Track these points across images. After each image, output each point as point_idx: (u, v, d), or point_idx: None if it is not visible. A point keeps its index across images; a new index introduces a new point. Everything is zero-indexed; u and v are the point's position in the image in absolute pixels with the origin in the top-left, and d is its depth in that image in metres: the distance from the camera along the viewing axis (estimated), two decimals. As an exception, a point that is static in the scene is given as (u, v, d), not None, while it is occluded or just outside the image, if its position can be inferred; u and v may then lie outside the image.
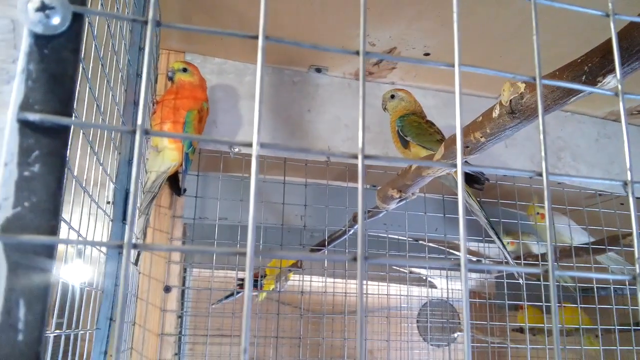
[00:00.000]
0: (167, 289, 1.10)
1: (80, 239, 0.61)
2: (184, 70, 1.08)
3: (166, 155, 1.04)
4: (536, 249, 1.71)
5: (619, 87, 0.31)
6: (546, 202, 0.27)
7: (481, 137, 0.72)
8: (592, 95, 1.48)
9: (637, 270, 0.27)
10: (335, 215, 1.40)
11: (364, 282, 1.95)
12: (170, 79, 1.09)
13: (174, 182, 1.12)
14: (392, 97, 1.17)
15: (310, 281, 2.08)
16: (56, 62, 0.25)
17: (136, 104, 0.86)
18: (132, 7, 0.84)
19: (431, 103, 1.24)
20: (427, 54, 1.19)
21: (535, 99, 0.61)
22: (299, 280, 2.40)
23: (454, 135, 0.79)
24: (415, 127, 1.08)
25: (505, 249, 1.10)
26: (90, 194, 0.62)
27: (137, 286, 1.08)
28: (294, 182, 1.44)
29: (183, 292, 1.72)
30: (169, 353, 1.07)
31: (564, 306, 1.74)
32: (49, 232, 0.24)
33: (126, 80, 0.82)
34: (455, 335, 2.85)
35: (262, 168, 1.40)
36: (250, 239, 0.25)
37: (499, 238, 1.09)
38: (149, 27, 0.26)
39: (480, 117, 0.71)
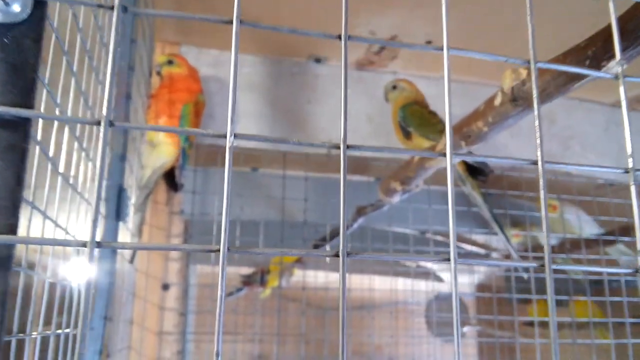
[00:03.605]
0: (166, 287, 1.09)
1: (58, 237, 0.59)
2: (170, 62, 1.06)
3: (162, 150, 1.03)
4: (544, 241, 1.69)
5: (619, 69, 0.29)
6: (541, 192, 0.26)
7: (483, 126, 0.70)
8: (600, 81, 1.45)
9: (642, 264, 0.25)
10: (338, 210, 1.37)
11: (369, 276, 1.94)
12: (159, 73, 1.07)
13: (170, 178, 1.10)
14: (394, 87, 1.15)
15: (315, 277, 2.07)
16: (17, 51, 0.23)
17: (128, 97, 0.84)
18: None
19: (434, 92, 1.22)
20: (429, 42, 1.16)
21: (538, 85, 0.58)
22: (302, 277, 2.39)
23: (458, 124, 0.77)
24: (417, 118, 1.06)
25: (510, 242, 1.08)
26: (79, 190, 0.61)
27: (134, 284, 1.07)
28: (294, 176, 1.42)
29: (186, 289, 1.72)
30: (168, 351, 1.06)
31: (576, 300, 1.70)
32: (7, 231, 0.22)
33: (116, 73, 0.81)
34: (465, 329, 2.83)
35: (260, 162, 1.38)
36: (223, 237, 0.24)
37: (502, 232, 1.07)
38: (115, 12, 0.24)
39: (483, 106, 0.69)
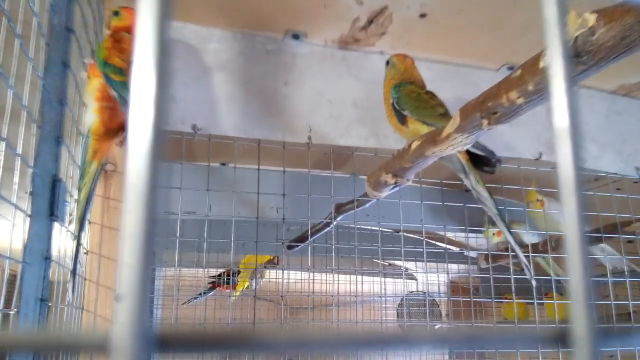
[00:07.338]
0: (120, 298, 0.91)
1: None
2: (116, 13, 0.87)
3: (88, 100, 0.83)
4: (527, 238, 1.58)
5: None
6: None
7: (518, 97, 0.56)
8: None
9: None
10: (317, 207, 1.22)
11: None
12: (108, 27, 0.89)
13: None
14: (387, 63, 1.01)
15: (283, 277, 1.93)
16: None
17: (66, 65, 0.66)
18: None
19: (426, 75, 1.08)
20: (423, 15, 1.02)
21: (614, 32, 0.44)
22: (275, 277, 2.24)
23: (480, 98, 0.63)
24: (413, 99, 0.92)
25: (515, 241, 0.95)
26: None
27: (82, 296, 0.89)
28: (270, 170, 1.27)
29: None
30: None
31: (549, 298, 1.60)
32: None
33: (48, 34, 0.63)
34: (437, 326, 2.74)
35: (233, 154, 1.21)
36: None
37: (508, 230, 0.94)
38: None
39: (519, 71, 0.55)
